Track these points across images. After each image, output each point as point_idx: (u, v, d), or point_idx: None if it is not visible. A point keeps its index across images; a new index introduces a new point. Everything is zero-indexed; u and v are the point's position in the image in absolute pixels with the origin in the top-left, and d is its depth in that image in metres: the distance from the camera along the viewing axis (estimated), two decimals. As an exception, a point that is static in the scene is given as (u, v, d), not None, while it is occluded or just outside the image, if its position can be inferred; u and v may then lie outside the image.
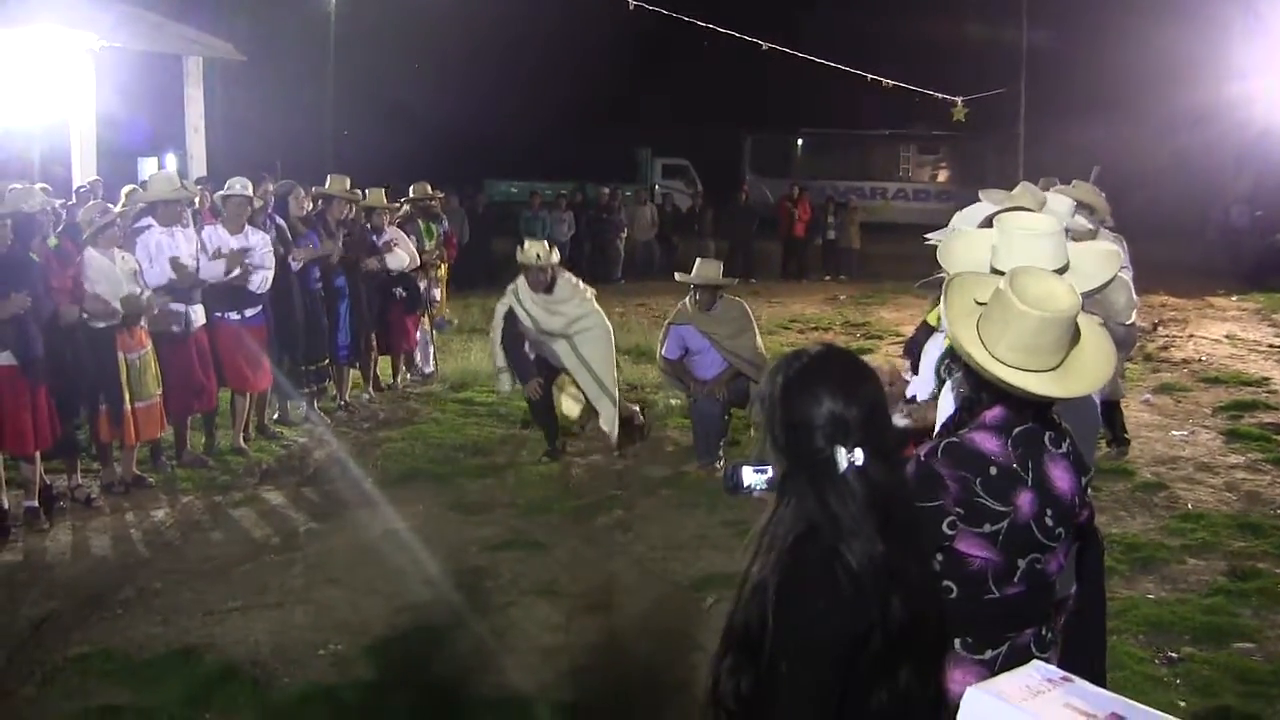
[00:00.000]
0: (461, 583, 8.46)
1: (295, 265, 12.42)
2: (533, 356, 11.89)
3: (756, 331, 11.83)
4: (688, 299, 11.70)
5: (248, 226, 11.76)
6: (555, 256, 12.03)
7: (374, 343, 14.58)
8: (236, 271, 11.38)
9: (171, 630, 7.63)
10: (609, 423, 11.79)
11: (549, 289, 11.68)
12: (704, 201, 34.75)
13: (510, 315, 11.70)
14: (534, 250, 11.66)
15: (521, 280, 11.71)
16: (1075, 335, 3.76)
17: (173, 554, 9.17)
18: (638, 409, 12.77)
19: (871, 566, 3.02)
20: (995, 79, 31.37)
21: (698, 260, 12.07)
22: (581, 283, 12.21)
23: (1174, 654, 7.26)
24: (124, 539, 9.58)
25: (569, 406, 12.36)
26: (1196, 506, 10.27)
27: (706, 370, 11.59)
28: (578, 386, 11.98)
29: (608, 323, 11.96)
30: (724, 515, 9.77)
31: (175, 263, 10.92)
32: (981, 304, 3.85)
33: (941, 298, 3.98)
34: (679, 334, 11.67)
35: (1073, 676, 3.10)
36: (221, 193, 11.93)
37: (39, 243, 9.98)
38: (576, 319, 11.67)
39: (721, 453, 11.48)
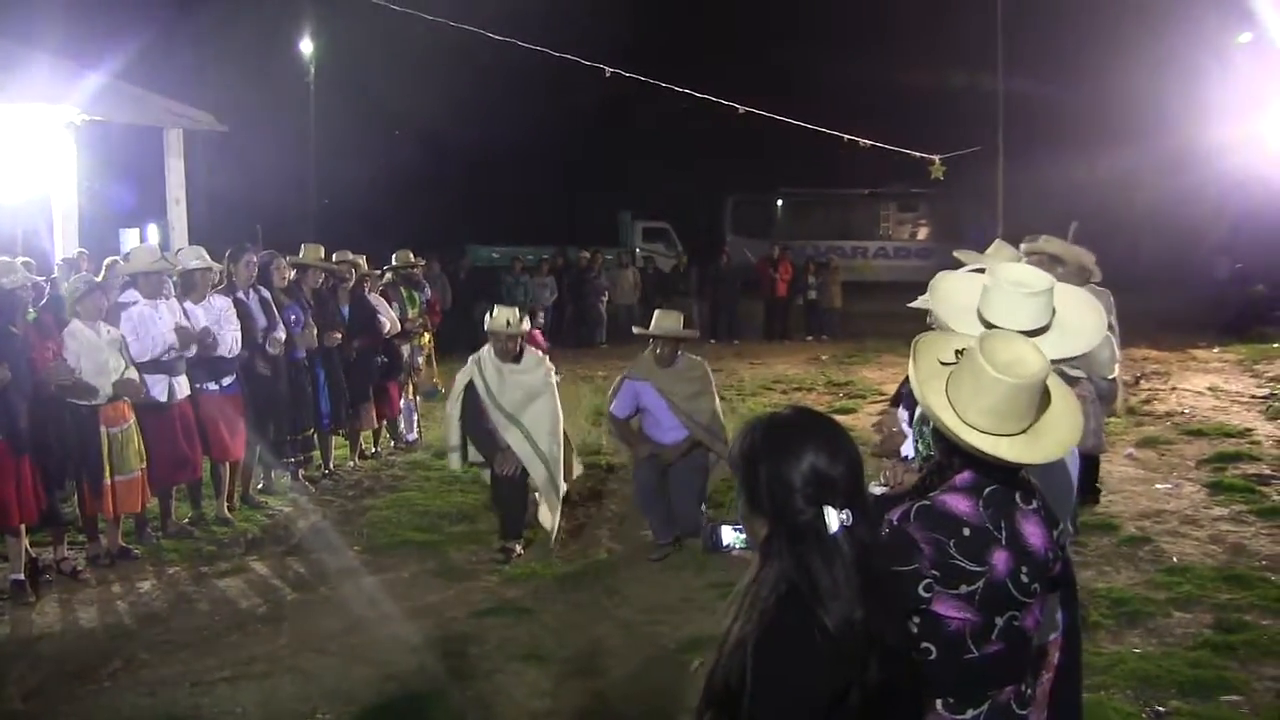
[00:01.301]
0: (448, 650, 8.45)
1: (280, 337, 12.40)
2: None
3: (716, 396, 11.21)
4: (648, 352, 11.01)
5: (210, 295, 11.80)
6: (526, 325, 11.29)
7: (370, 411, 14.70)
8: (192, 349, 11.31)
9: (159, 702, 7.61)
10: (548, 513, 10.88)
11: (517, 358, 10.94)
12: (686, 263, 34.86)
13: (470, 389, 10.87)
14: (504, 317, 10.88)
15: (486, 351, 10.95)
16: (1046, 398, 3.80)
17: (159, 625, 9.14)
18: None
19: (850, 629, 3.04)
20: (972, 134, 31.47)
21: (657, 312, 11.36)
22: (548, 360, 11.37)
23: (1161, 708, 7.25)
24: (111, 611, 9.55)
25: (544, 516, 11.07)
26: (1181, 560, 10.27)
27: (660, 433, 10.93)
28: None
29: (559, 409, 10.99)
30: (711, 578, 9.75)
31: (180, 329, 11.04)
32: (945, 364, 3.89)
33: (910, 361, 4.01)
34: (633, 390, 11.00)
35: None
36: (180, 267, 11.88)
37: (19, 317, 9.99)
38: (535, 395, 10.79)
39: (706, 512, 11.09)
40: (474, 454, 11.16)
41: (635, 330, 11.66)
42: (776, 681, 3.06)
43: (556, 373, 11.12)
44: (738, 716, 3.14)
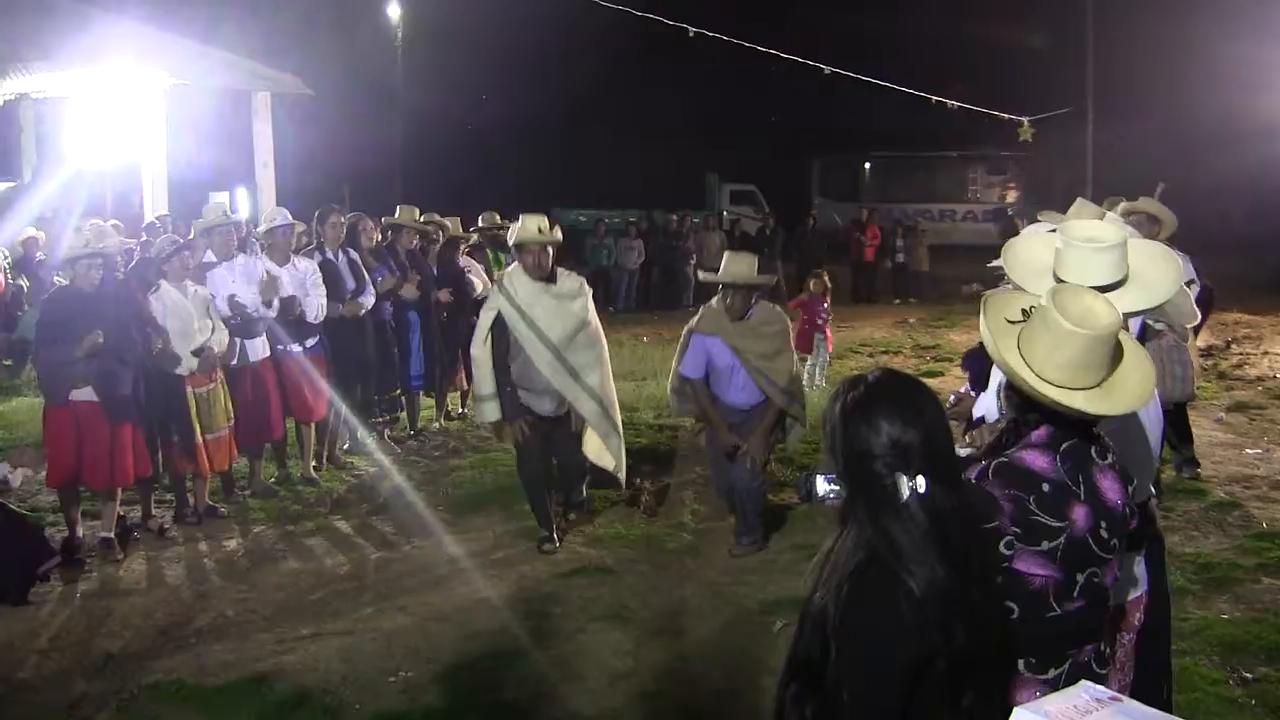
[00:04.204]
0: (531, 609, 8.49)
1: (369, 303, 12.45)
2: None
3: (794, 353, 9.94)
4: (715, 301, 9.61)
5: (293, 256, 11.83)
6: (558, 233, 9.80)
7: (460, 374, 14.55)
8: (275, 303, 11.25)
9: (244, 658, 7.69)
10: (616, 457, 9.95)
11: (551, 276, 9.58)
12: (773, 226, 34.65)
13: (499, 326, 9.51)
14: (534, 224, 9.44)
15: (514, 272, 9.61)
16: (1118, 353, 3.76)
17: (245, 583, 9.25)
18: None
19: (934, 593, 3.03)
20: (1062, 95, 31.15)
21: (726, 255, 9.79)
22: (587, 284, 10.08)
23: (1249, 674, 7.16)
24: (197, 569, 9.67)
25: (601, 457, 10.02)
26: (1271, 525, 10.13)
27: (731, 393, 9.59)
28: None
29: (606, 350, 9.97)
30: (794, 539, 9.71)
31: (232, 301, 11.01)
32: (1012, 322, 3.85)
33: (981, 320, 3.96)
34: (703, 345, 9.54)
35: (1121, 696, 3.08)
36: (263, 227, 12.04)
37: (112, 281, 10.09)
38: (585, 324, 9.63)
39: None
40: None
41: (701, 276, 10.59)
42: (861, 651, 3.06)
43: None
44: (823, 687, 3.13)
